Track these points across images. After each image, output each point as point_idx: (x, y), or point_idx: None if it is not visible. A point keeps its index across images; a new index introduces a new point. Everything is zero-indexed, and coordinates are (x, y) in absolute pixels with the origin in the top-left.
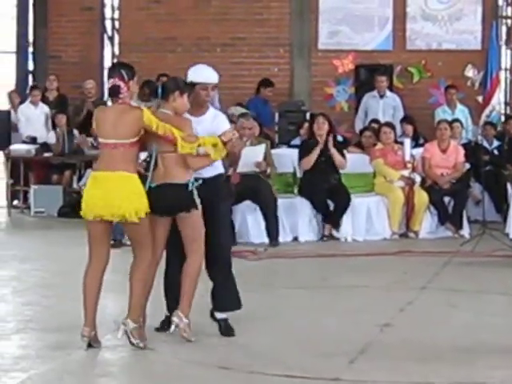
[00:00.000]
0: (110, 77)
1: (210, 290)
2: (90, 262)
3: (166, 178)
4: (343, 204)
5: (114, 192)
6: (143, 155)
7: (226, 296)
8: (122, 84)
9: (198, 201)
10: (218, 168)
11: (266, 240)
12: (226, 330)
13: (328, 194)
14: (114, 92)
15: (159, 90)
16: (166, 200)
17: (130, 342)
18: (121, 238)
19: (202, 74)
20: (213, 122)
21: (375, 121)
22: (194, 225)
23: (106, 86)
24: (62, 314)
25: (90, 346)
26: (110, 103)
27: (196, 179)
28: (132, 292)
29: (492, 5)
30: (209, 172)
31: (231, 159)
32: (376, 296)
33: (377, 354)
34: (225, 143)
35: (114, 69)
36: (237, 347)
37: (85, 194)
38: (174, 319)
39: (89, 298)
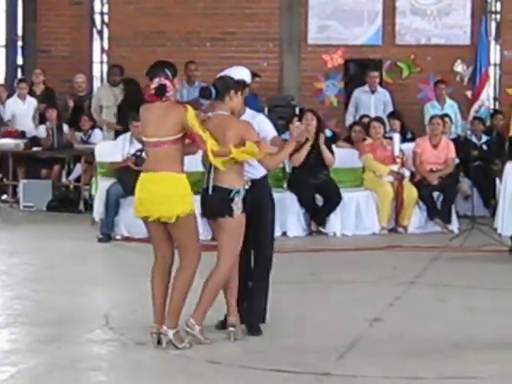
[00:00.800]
0: (154, 76)
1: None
2: (155, 261)
3: (216, 180)
4: (333, 201)
5: (157, 194)
6: (133, 149)
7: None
8: (167, 83)
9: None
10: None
11: None
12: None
13: (317, 190)
14: (161, 91)
15: (213, 91)
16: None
17: (177, 347)
18: (109, 233)
19: (247, 74)
20: (253, 122)
21: (365, 116)
22: (229, 231)
23: (152, 86)
24: (52, 308)
25: (159, 342)
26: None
27: (237, 191)
28: (172, 297)
29: (482, 1)
30: (258, 173)
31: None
32: (365, 291)
33: (367, 349)
34: (258, 145)
35: (158, 68)
36: (226, 342)
37: (136, 194)
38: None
39: (157, 296)
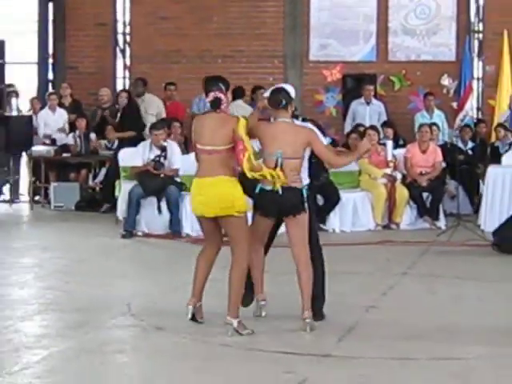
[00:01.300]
0: (210, 90)
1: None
2: (204, 248)
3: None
4: (332, 201)
5: (216, 196)
6: (152, 155)
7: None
8: (222, 96)
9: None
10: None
11: None
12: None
13: (318, 191)
14: (216, 104)
15: (283, 101)
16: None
17: (241, 334)
18: (131, 230)
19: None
20: None
21: (361, 125)
22: (303, 226)
23: (207, 99)
24: (80, 297)
25: (193, 317)
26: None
27: (306, 189)
28: (231, 289)
29: (465, 21)
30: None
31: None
32: (361, 281)
33: (363, 333)
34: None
35: (213, 82)
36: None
37: (191, 198)
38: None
39: (200, 274)
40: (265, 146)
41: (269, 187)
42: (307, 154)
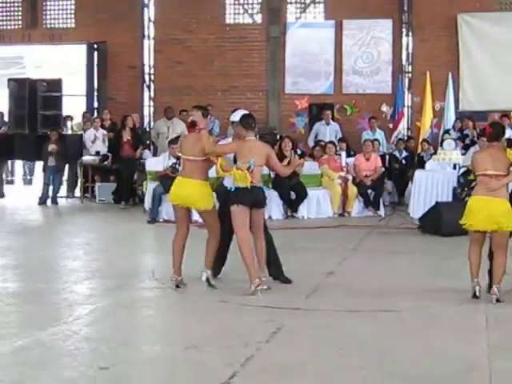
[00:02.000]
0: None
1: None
2: (177, 232)
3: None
4: (302, 196)
5: (191, 192)
6: (170, 163)
7: None
8: (197, 119)
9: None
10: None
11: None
12: None
13: (291, 189)
14: (192, 125)
15: (253, 125)
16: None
17: (210, 283)
18: (155, 217)
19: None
20: None
21: (321, 140)
22: (263, 215)
23: (188, 120)
24: (117, 266)
25: (177, 286)
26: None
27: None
28: (208, 251)
29: (398, 64)
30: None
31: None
32: (323, 254)
33: (324, 292)
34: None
35: (193, 109)
36: (234, 289)
37: (172, 189)
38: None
39: (176, 255)
40: (241, 156)
41: (242, 185)
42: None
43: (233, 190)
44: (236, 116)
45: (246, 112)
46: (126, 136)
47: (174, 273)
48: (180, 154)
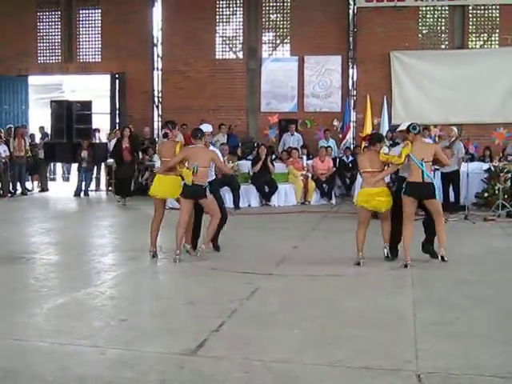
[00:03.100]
0: (164, 127)
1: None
2: (155, 215)
3: (196, 180)
4: (273, 189)
5: (166, 186)
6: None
7: None
8: (168, 131)
9: (208, 194)
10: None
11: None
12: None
13: (265, 183)
14: (165, 135)
15: (199, 135)
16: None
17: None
18: None
19: (207, 128)
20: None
21: (289, 147)
22: (208, 205)
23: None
24: (134, 243)
25: (154, 256)
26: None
27: (209, 183)
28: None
29: (346, 89)
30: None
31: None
32: (289, 232)
33: (291, 262)
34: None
35: (167, 124)
36: (223, 258)
37: (153, 184)
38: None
39: (153, 233)
40: (190, 160)
41: (188, 183)
42: (212, 166)
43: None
44: (205, 128)
45: (200, 126)
46: (125, 144)
47: (150, 245)
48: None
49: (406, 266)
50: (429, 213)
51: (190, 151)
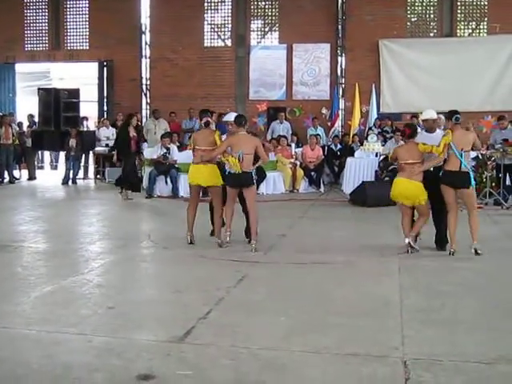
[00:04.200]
0: (204, 116)
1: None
2: (191, 202)
3: (243, 168)
4: (262, 177)
5: (204, 173)
6: (161, 152)
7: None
8: (210, 120)
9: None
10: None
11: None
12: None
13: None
14: (207, 124)
15: (243, 122)
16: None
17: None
18: (151, 194)
19: (229, 116)
20: None
21: (279, 135)
22: (253, 192)
23: (202, 122)
24: (122, 231)
25: (191, 242)
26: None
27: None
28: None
29: (335, 77)
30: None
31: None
32: (277, 221)
33: (279, 250)
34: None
35: (206, 112)
36: (211, 246)
37: (191, 173)
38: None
39: (190, 220)
40: (234, 147)
41: (233, 171)
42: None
43: (226, 173)
44: (228, 116)
45: (239, 113)
46: (132, 133)
47: (188, 230)
48: (196, 146)
49: (451, 253)
50: (434, 207)
51: (233, 139)
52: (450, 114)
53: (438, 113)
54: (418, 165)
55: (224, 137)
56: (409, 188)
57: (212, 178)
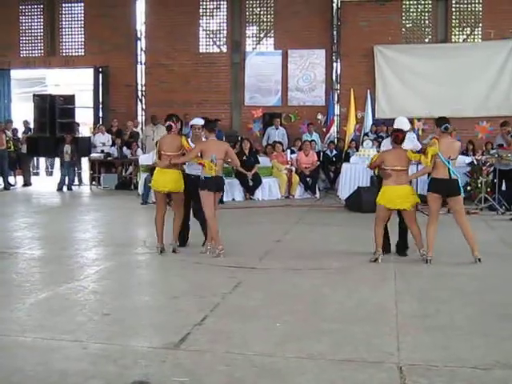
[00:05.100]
0: (167, 121)
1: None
2: (158, 211)
3: (217, 172)
4: (257, 183)
5: (168, 180)
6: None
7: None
8: (173, 124)
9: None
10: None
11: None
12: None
13: (251, 178)
14: (169, 128)
15: (215, 128)
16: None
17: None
18: (146, 200)
19: (196, 121)
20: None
21: (274, 141)
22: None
23: (165, 125)
24: (117, 237)
25: (161, 252)
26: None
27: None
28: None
29: (330, 83)
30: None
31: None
32: (273, 226)
33: (274, 256)
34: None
35: (170, 117)
36: (205, 254)
37: (155, 178)
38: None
39: (159, 229)
40: (205, 153)
41: (208, 175)
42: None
43: (202, 178)
44: (195, 121)
45: (207, 118)
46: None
47: (158, 241)
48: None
49: (427, 261)
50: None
51: (204, 145)
52: (439, 122)
53: (433, 118)
54: (405, 172)
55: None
56: (399, 194)
57: (177, 183)
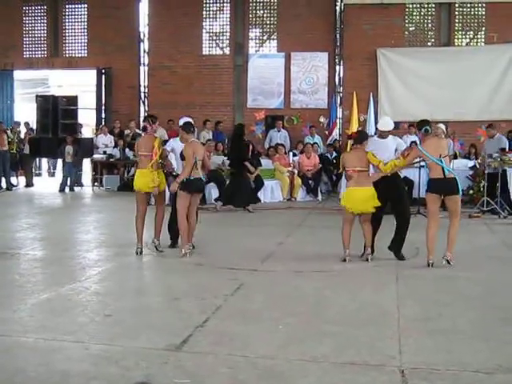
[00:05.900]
0: (143, 121)
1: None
2: (138, 211)
3: (197, 174)
4: (260, 185)
5: (147, 180)
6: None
7: None
8: (148, 126)
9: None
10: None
11: (220, 202)
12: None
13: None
14: (144, 129)
15: (192, 129)
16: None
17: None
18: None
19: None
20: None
21: (276, 143)
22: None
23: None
24: (119, 238)
25: (140, 253)
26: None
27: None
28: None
29: (333, 86)
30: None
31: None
32: (275, 229)
33: (276, 258)
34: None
35: (146, 118)
36: (208, 253)
37: (136, 179)
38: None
39: (139, 230)
40: (194, 154)
41: (192, 177)
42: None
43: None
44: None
45: (189, 119)
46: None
47: (137, 242)
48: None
49: (429, 264)
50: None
51: (193, 146)
52: (420, 126)
53: (436, 122)
54: (366, 173)
55: (172, 142)
56: (361, 197)
57: (160, 182)
